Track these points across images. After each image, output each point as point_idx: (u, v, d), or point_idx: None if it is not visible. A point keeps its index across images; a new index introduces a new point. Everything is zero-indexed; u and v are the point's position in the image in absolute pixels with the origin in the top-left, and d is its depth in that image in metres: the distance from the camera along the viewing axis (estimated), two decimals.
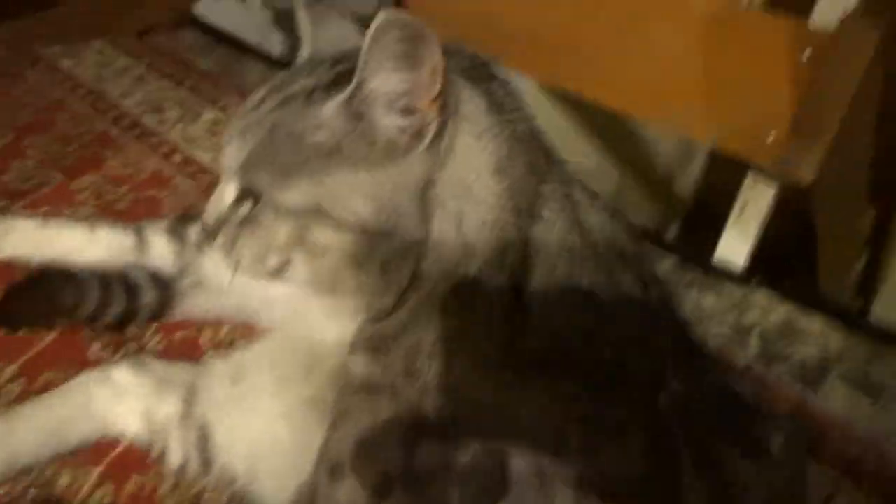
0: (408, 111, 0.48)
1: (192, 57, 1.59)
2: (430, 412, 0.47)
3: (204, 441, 0.63)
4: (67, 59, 1.46)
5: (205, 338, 0.81)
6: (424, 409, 0.47)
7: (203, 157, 1.19)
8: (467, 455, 0.45)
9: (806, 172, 0.97)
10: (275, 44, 1.65)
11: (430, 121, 0.48)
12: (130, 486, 0.63)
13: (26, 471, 0.62)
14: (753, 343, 1.01)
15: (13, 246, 0.84)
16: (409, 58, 0.46)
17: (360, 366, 0.52)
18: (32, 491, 0.61)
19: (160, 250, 0.84)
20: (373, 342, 0.52)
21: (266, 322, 0.73)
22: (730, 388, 0.60)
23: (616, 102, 1.29)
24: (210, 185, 1.12)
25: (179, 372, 0.68)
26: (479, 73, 0.53)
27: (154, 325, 0.81)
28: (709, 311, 1.04)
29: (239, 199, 0.52)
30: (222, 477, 0.63)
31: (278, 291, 0.64)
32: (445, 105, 0.48)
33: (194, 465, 0.63)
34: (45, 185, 1.03)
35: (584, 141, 2.17)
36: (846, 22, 0.89)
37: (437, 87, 0.47)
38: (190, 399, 0.65)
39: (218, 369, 0.65)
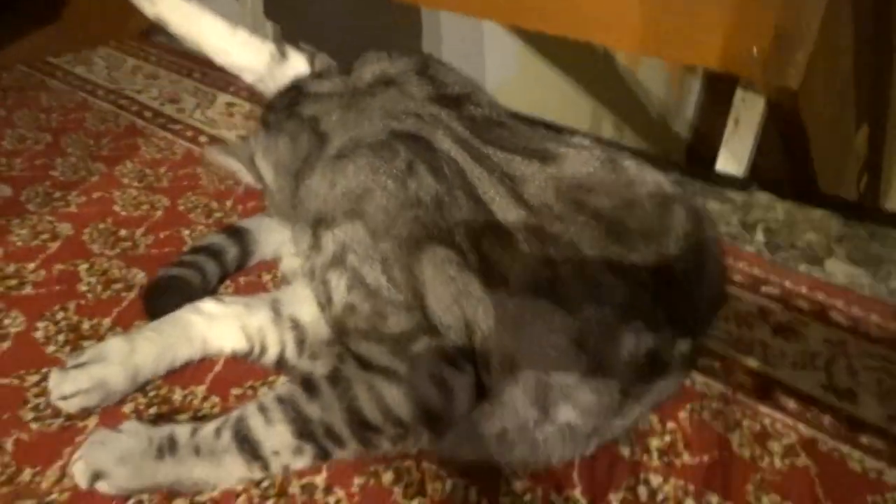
0: None
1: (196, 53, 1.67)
2: None
3: (296, 327, 0.74)
4: (80, 67, 1.54)
5: (266, 279, 0.90)
6: None
7: (227, 135, 1.28)
8: None
9: (792, 79, 1.06)
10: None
11: None
12: (232, 396, 0.72)
13: (146, 384, 0.71)
14: (759, 236, 1.10)
15: (169, 8, 0.93)
16: None
17: None
18: (154, 408, 0.70)
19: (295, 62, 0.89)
20: None
21: None
22: None
23: (606, 39, 1.35)
24: None
25: (256, 297, 0.78)
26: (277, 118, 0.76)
27: None
28: (716, 213, 1.13)
29: None
30: (313, 348, 0.73)
31: None
32: None
33: (290, 348, 0.74)
34: (92, 175, 1.12)
35: (579, 94, 2.25)
36: None
37: None
38: (276, 307, 0.75)
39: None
